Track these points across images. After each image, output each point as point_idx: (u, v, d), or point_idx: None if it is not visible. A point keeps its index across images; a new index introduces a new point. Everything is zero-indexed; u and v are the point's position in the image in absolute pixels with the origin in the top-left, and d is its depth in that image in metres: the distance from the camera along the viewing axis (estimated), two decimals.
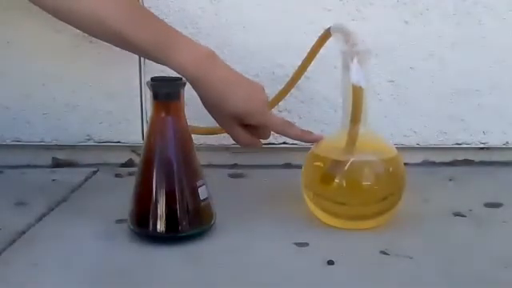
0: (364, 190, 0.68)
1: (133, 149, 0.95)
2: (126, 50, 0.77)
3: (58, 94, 0.91)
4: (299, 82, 0.82)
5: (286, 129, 0.77)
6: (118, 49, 0.89)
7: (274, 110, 0.87)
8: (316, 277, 0.58)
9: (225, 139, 0.91)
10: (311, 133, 0.76)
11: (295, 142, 0.92)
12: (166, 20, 0.87)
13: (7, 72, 0.91)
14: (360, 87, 0.67)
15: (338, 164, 0.69)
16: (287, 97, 0.84)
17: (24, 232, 0.68)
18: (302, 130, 0.77)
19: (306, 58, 0.79)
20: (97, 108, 0.92)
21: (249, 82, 0.77)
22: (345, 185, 0.68)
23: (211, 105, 0.75)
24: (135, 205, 0.66)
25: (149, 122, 0.67)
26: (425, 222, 0.71)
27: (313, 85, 0.90)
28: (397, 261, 0.61)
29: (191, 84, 0.73)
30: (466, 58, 0.91)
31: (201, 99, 0.75)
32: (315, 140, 0.75)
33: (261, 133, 0.78)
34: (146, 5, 0.88)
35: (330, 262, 0.60)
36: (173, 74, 0.74)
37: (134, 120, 0.93)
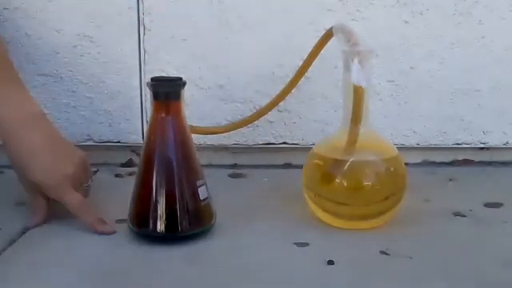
0: (366, 190, 0.68)
1: (133, 149, 0.95)
2: None
3: (57, 94, 0.91)
4: (299, 82, 0.82)
5: (79, 212, 0.68)
6: (118, 49, 0.90)
7: (275, 110, 0.87)
8: (316, 277, 0.58)
9: (225, 139, 0.92)
10: (105, 223, 0.68)
11: (295, 141, 0.93)
12: (164, 21, 0.87)
13: None
14: (361, 87, 0.67)
15: (338, 164, 0.69)
16: (287, 97, 0.84)
17: (24, 232, 0.68)
18: (98, 218, 0.68)
19: (307, 58, 0.79)
20: (97, 108, 0.92)
21: (57, 153, 0.69)
22: (346, 185, 0.68)
23: (15, 168, 0.69)
24: (135, 205, 0.66)
25: (149, 121, 0.67)
26: (425, 222, 0.71)
27: (313, 85, 0.90)
28: (397, 261, 0.61)
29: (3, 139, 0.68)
30: (466, 58, 0.91)
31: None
32: (106, 233, 0.67)
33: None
34: (145, 5, 0.88)
35: (330, 262, 0.60)
36: (173, 74, 0.74)
37: (133, 120, 0.92)
